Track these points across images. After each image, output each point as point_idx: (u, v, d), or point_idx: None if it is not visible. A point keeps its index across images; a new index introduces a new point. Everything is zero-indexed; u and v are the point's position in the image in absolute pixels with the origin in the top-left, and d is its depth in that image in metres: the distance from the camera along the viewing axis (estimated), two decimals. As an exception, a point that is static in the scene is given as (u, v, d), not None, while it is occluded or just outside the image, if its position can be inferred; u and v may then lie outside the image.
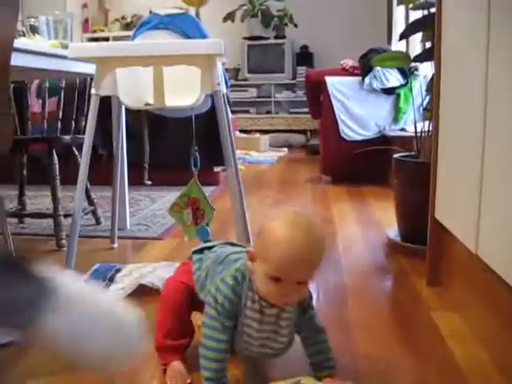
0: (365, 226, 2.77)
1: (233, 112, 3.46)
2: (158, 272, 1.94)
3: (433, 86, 1.94)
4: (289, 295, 1.07)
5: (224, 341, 1.14)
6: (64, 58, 2.00)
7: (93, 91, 1.87)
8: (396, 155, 2.43)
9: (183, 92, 1.89)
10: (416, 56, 2.55)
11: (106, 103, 2.27)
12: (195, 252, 1.38)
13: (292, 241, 1.02)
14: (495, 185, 1.29)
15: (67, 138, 2.56)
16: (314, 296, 1.79)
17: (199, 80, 1.83)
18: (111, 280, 1.95)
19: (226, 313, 1.13)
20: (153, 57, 1.82)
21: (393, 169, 2.46)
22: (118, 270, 2.04)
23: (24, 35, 2.17)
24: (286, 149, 6.77)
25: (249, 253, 1.12)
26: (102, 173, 2.96)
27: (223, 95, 1.93)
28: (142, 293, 1.78)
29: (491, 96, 1.33)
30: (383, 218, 2.89)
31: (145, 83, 1.98)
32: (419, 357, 1.38)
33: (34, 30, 2.33)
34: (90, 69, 2.11)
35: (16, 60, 1.77)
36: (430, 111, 2.11)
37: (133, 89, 2.06)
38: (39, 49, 1.93)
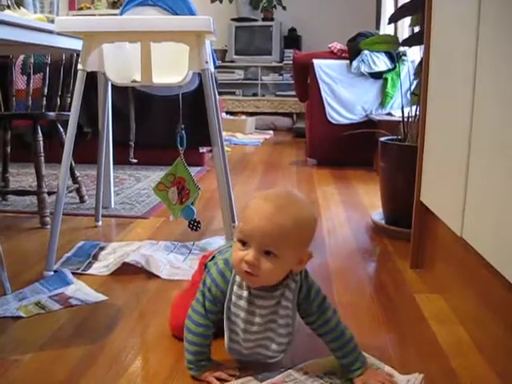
0: (349, 209, 2.78)
1: (219, 94, 3.43)
2: (142, 250, 1.94)
3: (421, 70, 1.94)
4: (254, 264, 1.05)
5: (203, 325, 1.14)
6: (50, 32, 1.96)
7: (79, 66, 1.85)
8: (382, 138, 2.44)
9: (171, 69, 1.87)
10: (405, 40, 2.55)
11: (91, 80, 2.24)
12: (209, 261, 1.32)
13: (258, 209, 1.07)
14: (481, 168, 1.30)
15: (52, 114, 2.54)
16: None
17: (187, 57, 1.82)
18: (95, 258, 1.94)
19: (211, 297, 1.13)
20: (141, 32, 1.80)
21: (379, 152, 2.46)
22: (102, 248, 2.04)
23: (9, 8, 2.13)
24: (271, 131, 6.77)
25: None
26: (86, 151, 2.93)
27: (211, 74, 1.91)
28: (125, 271, 1.78)
29: (479, 81, 1.33)
30: (368, 201, 2.91)
31: (132, 60, 1.96)
32: (402, 338, 1.39)
33: (18, 2, 2.28)
34: (76, 45, 2.07)
35: (0, 33, 1.73)
36: (418, 95, 2.11)
37: (120, 65, 2.03)
38: (25, 22, 1.88)
